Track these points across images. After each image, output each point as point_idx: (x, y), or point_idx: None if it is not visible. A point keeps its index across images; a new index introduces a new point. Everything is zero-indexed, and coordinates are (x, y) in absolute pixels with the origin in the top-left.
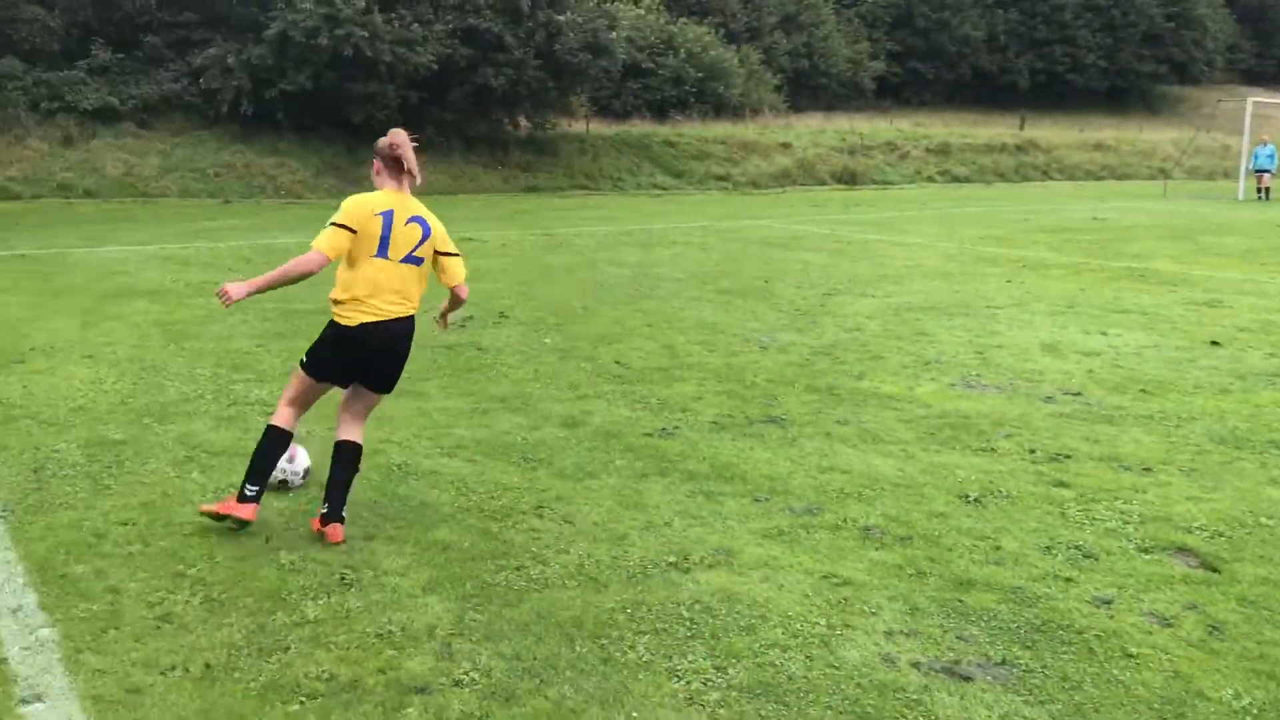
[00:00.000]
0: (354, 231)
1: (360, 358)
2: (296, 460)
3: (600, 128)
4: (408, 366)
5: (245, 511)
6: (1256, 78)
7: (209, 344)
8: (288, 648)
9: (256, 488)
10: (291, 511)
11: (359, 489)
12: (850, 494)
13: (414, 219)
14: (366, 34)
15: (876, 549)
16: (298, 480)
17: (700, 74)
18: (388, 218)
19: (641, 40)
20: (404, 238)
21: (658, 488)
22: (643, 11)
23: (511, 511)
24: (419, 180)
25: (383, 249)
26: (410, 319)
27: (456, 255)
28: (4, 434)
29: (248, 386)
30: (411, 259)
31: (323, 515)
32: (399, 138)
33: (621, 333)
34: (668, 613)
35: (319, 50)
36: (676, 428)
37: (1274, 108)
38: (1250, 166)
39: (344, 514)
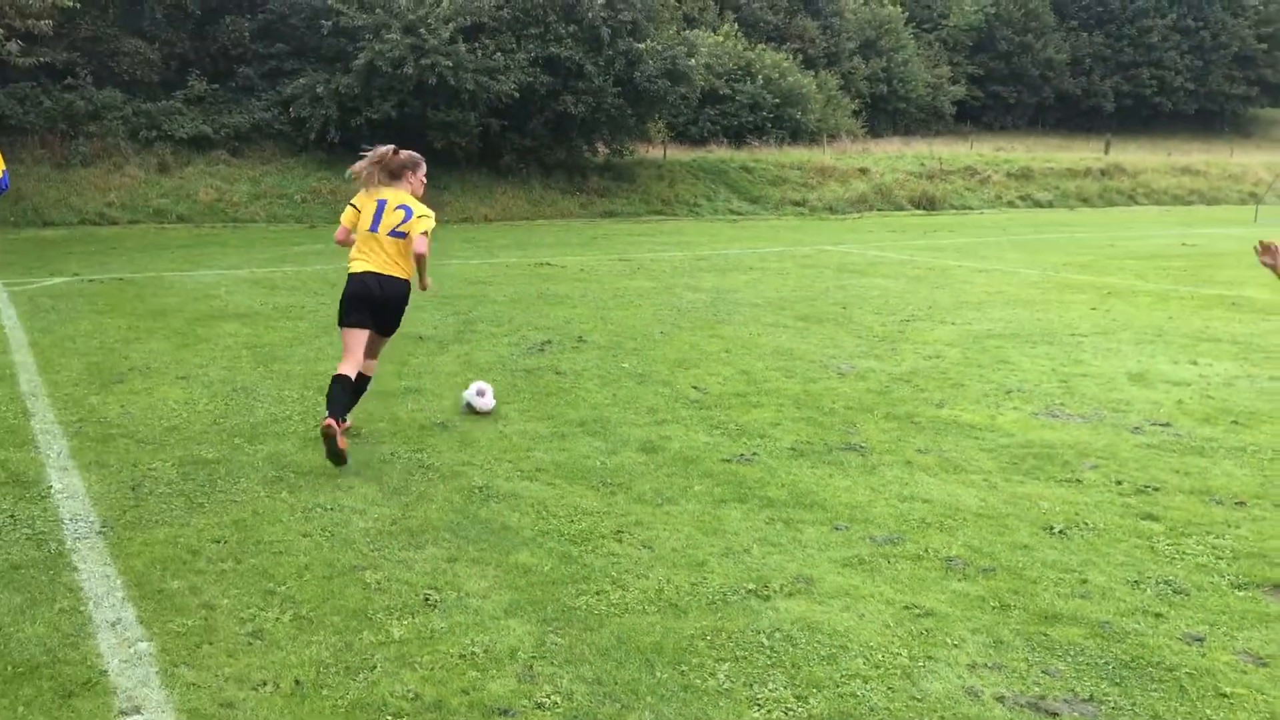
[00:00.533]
0: (357, 210)
1: (364, 297)
2: (486, 395)
3: (677, 153)
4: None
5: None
6: None
7: (296, 366)
8: (374, 666)
9: (332, 416)
10: (376, 533)
11: (441, 513)
12: (932, 524)
13: (400, 206)
14: (451, 63)
15: (959, 580)
16: (485, 406)
17: (777, 100)
18: (381, 204)
19: (720, 67)
20: (391, 219)
21: (736, 514)
22: (721, 39)
23: (591, 536)
24: (410, 184)
25: (374, 224)
26: (402, 281)
27: (424, 220)
28: (103, 452)
29: None
30: (396, 233)
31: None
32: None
33: (699, 358)
34: (748, 640)
35: (404, 79)
36: (755, 454)
37: None
38: None
39: (346, 418)
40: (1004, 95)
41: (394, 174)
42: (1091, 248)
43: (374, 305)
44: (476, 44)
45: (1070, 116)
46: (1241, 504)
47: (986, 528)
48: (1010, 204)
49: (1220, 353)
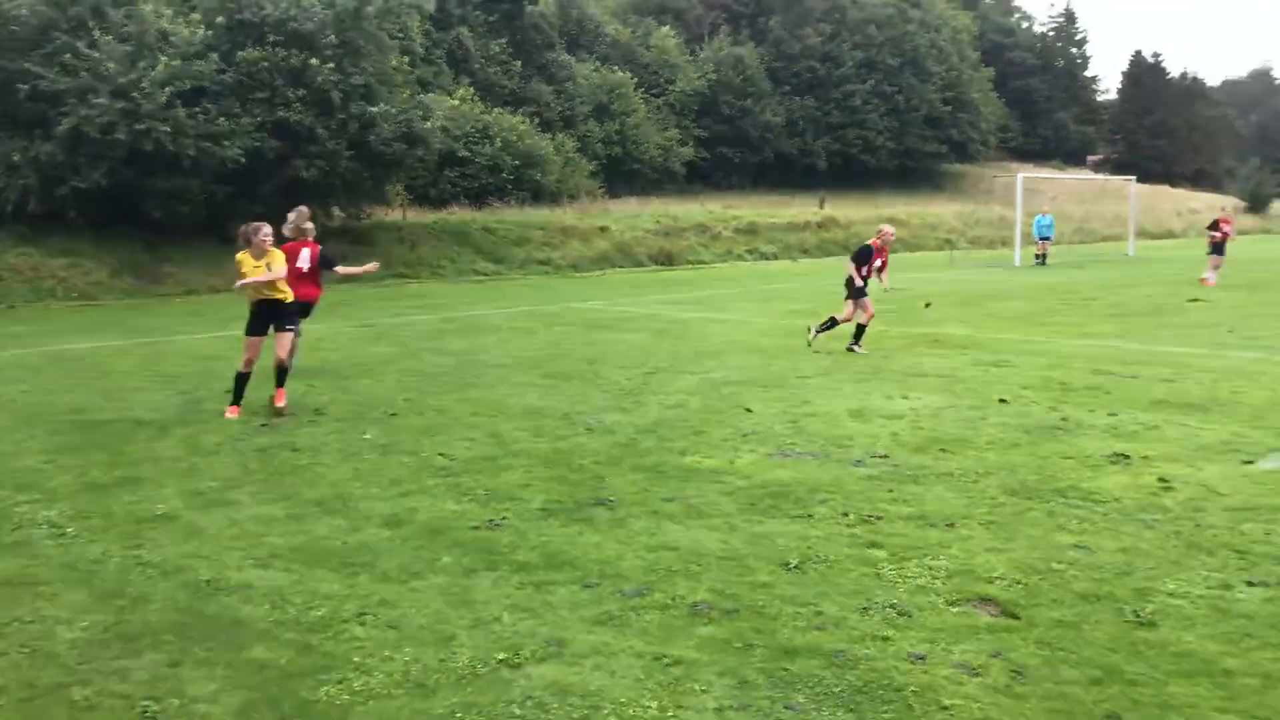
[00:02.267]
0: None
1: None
2: None
3: (418, 216)
4: (216, 474)
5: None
6: (1026, 154)
7: None
8: None
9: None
10: (85, 643)
11: (163, 613)
12: (678, 571)
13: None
14: (169, 129)
15: (705, 625)
16: None
17: (517, 161)
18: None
19: (457, 130)
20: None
21: (486, 582)
22: (457, 102)
23: (332, 621)
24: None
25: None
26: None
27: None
28: None
29: (34, 508)
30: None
31: None
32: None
33: (446, 424)
34: (499, 712)
35: (116, 146)
36: (505, 518)
37: (1042, 181)
38: (1034, 235)
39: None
40: (729, 156)
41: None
42: (813, 295)
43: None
44: (198, 109)
45: (789, 175)
46: (952, 525)
47: (729, 570)
48: (740, 257)
49: (927, 386)
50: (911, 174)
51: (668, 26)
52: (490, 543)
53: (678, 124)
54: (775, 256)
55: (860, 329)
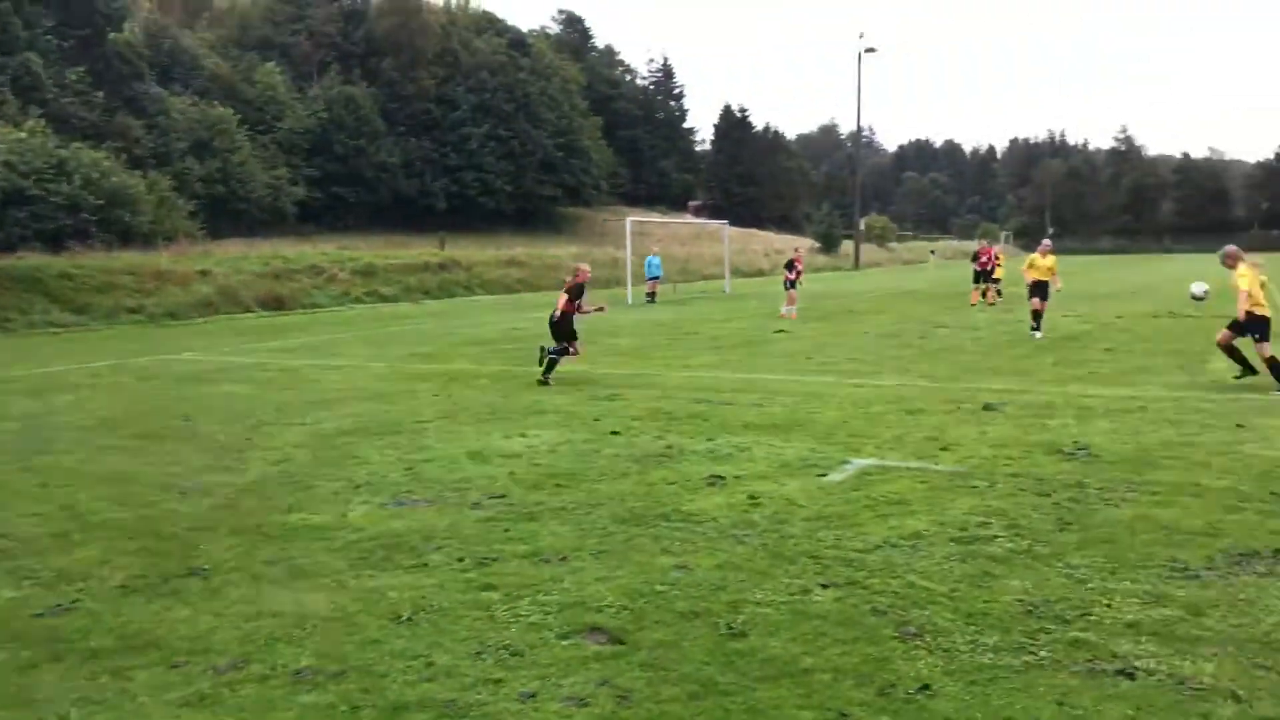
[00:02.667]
0: None
1: None
2: None
3: None
4: None
5: None
6: (635, 199)
7: None
8: None
9: None
10: None
11: None
12: (280, 638)
13: None
14: None
15: (308, 692)
16: None
17: (101, 201)
18: None
19: (25, 165)
20: None
21: (51, 676)
22: (24, 135)
23: None
24: None
25: None
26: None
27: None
28: None
29: None
30: None
31: None
32: None
33: (5, 499)
34: None
35: None
36: (76, 601)
37: (650, 225)
38: (645, 274)
39: None
40: (344, 196)
41: None
42: (434, 338)
43: None
44: None
45: (408, 215)
46: (564, 559)
47: (336, 630)
48: (358, 300)
49: (545, 423)
50: (531, 216)
51: (273, 63)
52: (57, 631)
53: (287, 162)
54: (395, 299)
55: (552, 364)
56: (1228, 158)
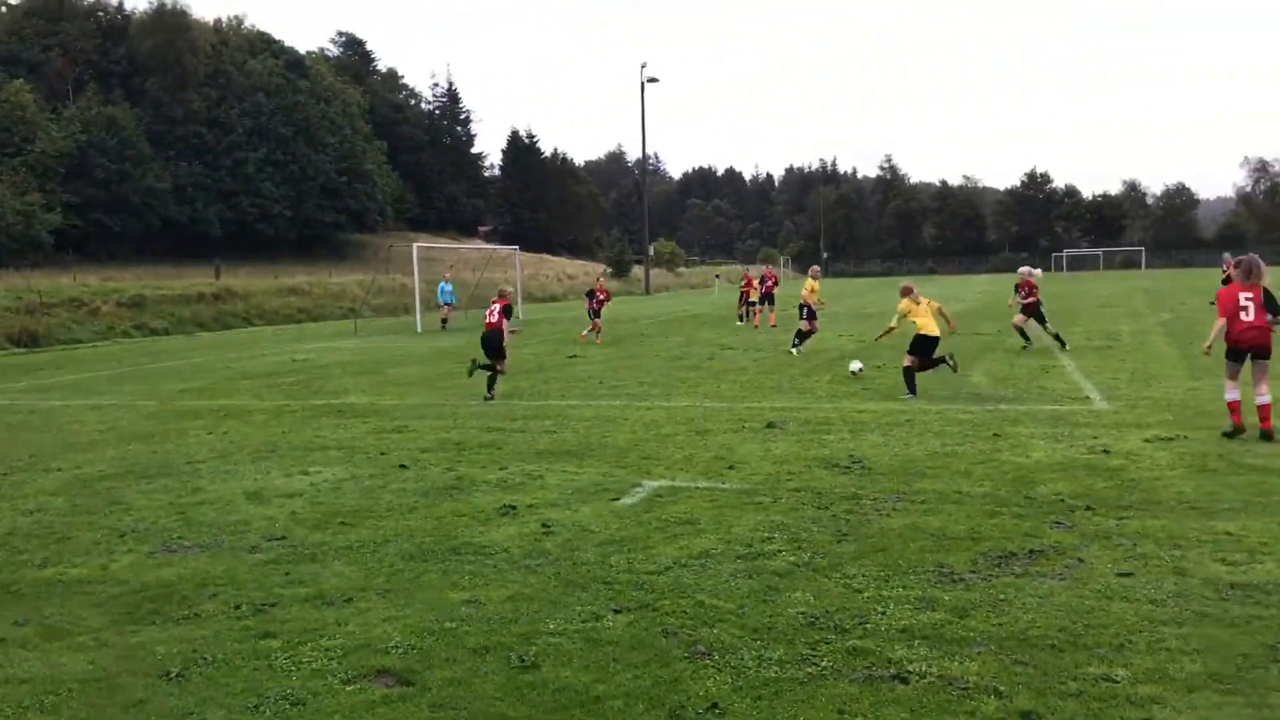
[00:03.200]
0: None
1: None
2: None
3: None
4: None
5: None
6: (422, 225)
7: None
8: None
9: None
10: None
11: None
12: (30, 706)
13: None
14: None
15: None
16: None
17: None
18: None
19: None
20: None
21: None
22: None
23: None
24: None
25: None
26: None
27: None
28: None
29: None
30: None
31: None
32: None
33: None
34: None
35: None
36: None
37: (438, 250)
38: (438, 301)
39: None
40: (108, 223)
41: None
42: (209, 372)
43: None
44: None
45: (181, 243)
46: (349, 600)
47: (95, 693)
48: (125, 334)
49: (329, 459)
50: (313, 243)
51: (21, 80)
52: None
53: (41, 187)
54: (167, 332)
55: (492, 381)
56: (981, 185)
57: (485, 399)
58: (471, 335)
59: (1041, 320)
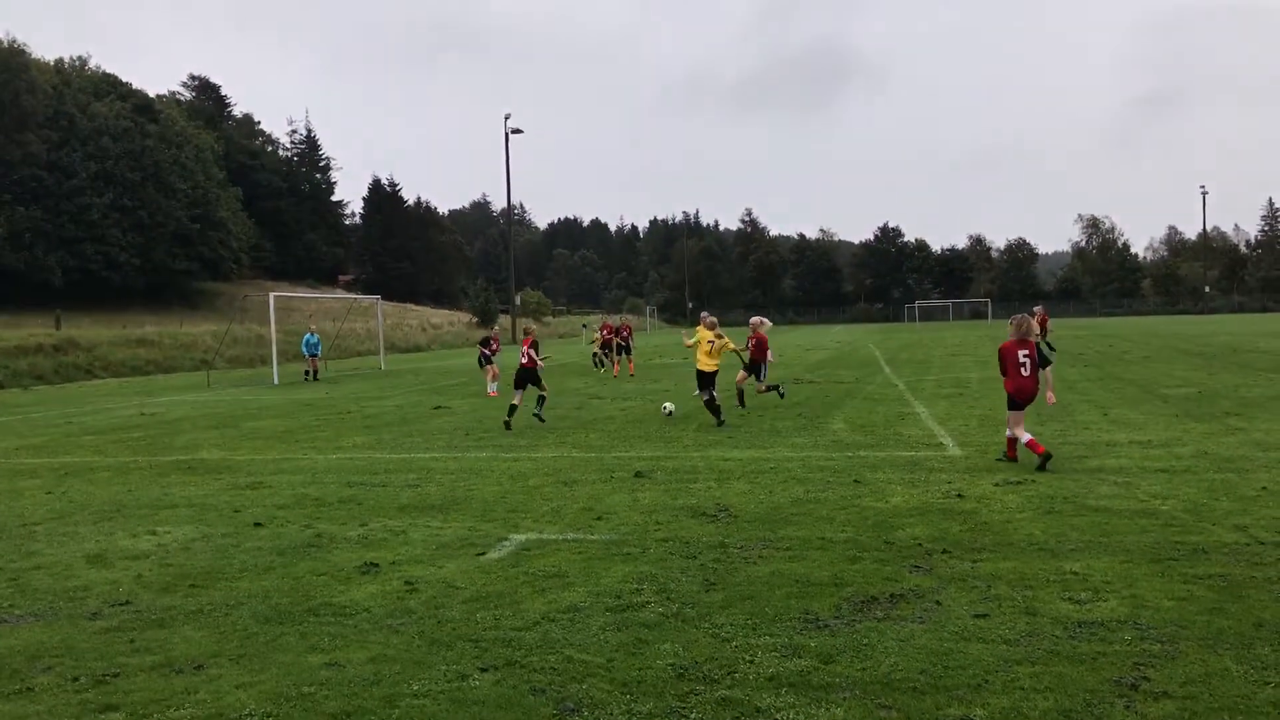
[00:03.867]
0: None
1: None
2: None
3: None
4: None
5: None
6: (280, 273)
7: None
8: None
9: None
10: None
11: None
12: None
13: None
14: None
15: None
16: None
17: None
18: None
19: None
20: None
21: None
22: None
23: None
24: None
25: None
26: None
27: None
28: None
29: None
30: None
31: None
32: None
33: None
34: None
35: None
36: None
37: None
38: (304, 352)
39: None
40: None
41: None
42: (48, 427)
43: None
44: None
45: (18, 291)
46: (200, 667)
47: None
48: None
49: (178, 518)
50: (164, 291)
51: None
52: None
53: None
54: (3, 385)
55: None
56: (837, 238)
57: (538, 419)
58: (330, 388)
59: (759, 374)
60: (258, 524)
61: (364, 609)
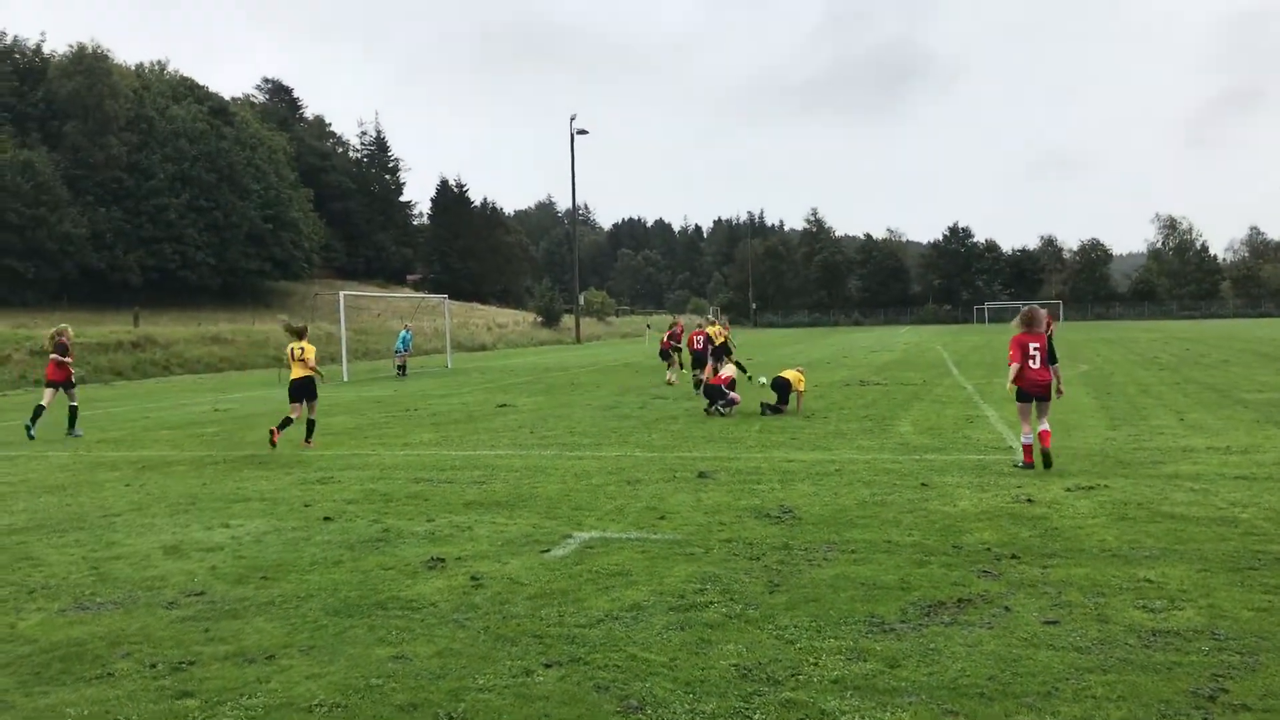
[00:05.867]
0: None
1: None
2: None
3: None
4: None
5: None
6: (349, 273)
7: None
8: None
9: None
10: None
11: None
12: None
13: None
14: None
15: None
16: None
17: None
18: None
19: None
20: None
21: None
22: None
23: None
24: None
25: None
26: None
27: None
28: None
29: None
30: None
31: None
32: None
33: None
34: None
35: None
36: None
37: (366, 299)
38: (399, 348)
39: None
40: (21, 270)
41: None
42: (127, 422)
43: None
44: None
45: (98, 290)
46: (271, 657)
47: None
48: (37, 382)
49: (251, 511)
50: (236, 290)
51: None
52: None
53: None
54: (83, 381)
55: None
56: (905, 239)
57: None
58: (398, 386)
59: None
60: (327, 518)
61: (430, 603)
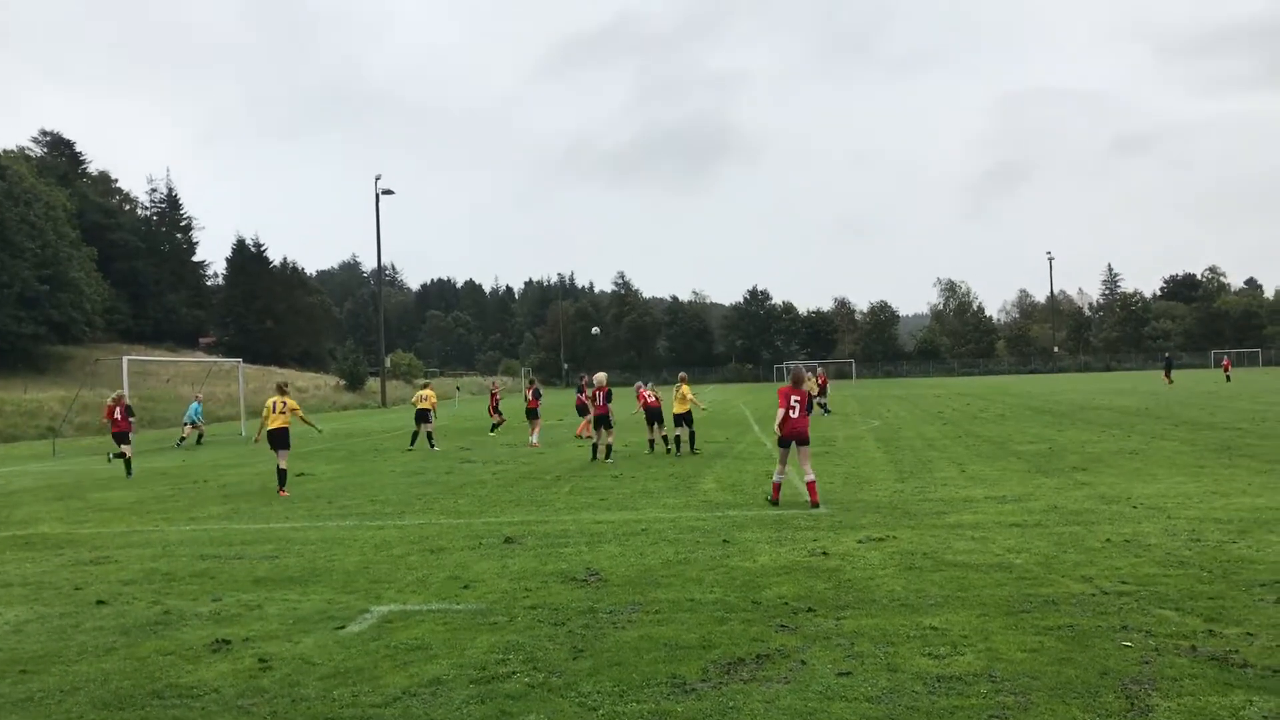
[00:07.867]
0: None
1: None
2: None
3: None
4: None
5: None
6: (136, 336)
7: None
8: None
9: None
10: None
11: None
12: None
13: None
14: None
15: None
16: None
17: None
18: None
19: None
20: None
21: None
22: None
23: None
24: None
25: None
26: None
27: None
28: None
29: None
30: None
31: None
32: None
33: None
34: None
35: None
36: None
37: (153, 364)
38: (188, 420)
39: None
40: None
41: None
42: None
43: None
44: None
45: None
46: None
47: None
48: None
49: (11, 598)
50: (6, 355)
51: None
52: None
53: None
54: None
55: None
56: (709, 300)
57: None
58: (186, 455)
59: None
60: (100, 602)
61: (213, 689)
